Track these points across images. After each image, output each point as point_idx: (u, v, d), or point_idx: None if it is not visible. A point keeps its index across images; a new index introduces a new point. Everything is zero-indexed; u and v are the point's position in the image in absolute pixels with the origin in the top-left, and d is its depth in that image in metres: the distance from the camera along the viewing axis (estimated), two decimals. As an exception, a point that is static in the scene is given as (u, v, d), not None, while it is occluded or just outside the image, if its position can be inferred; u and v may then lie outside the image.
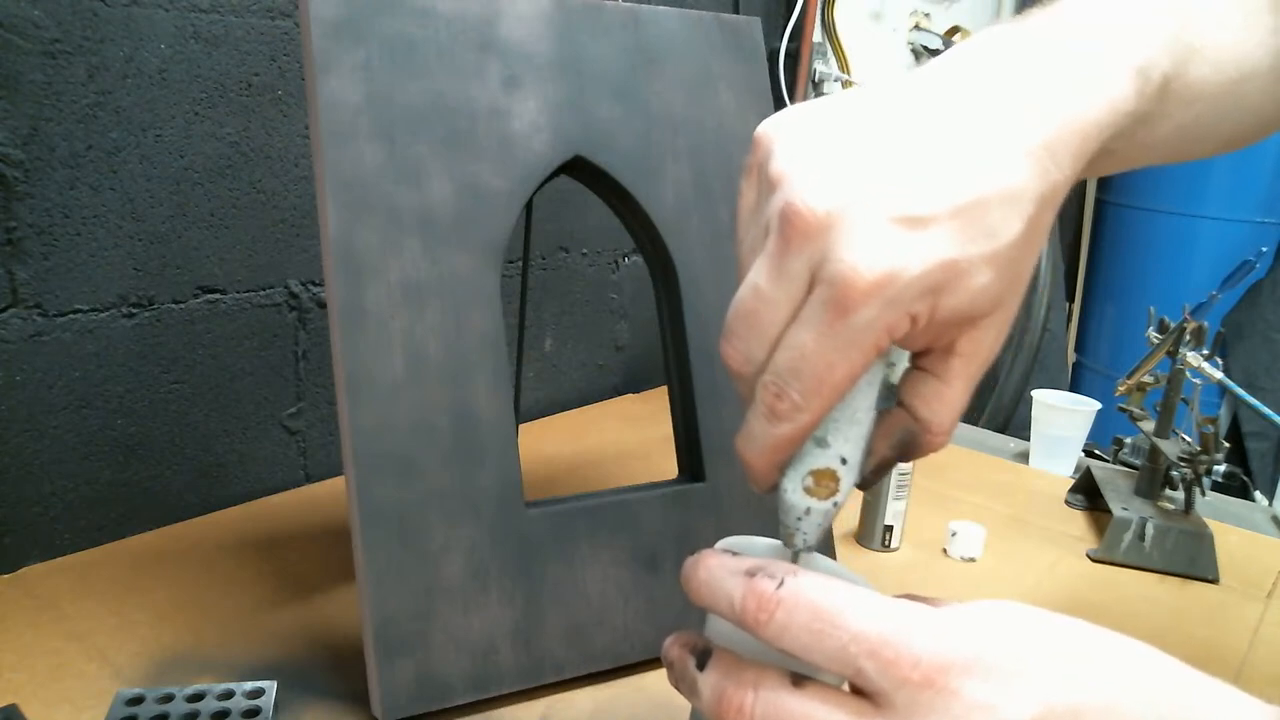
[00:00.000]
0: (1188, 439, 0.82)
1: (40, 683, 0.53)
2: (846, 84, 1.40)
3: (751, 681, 0.31)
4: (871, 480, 0.37)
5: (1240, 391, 0.95)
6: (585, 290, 1.09)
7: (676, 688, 0.35)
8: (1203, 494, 0.82)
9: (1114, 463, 0.99)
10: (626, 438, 1.00)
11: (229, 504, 0.78)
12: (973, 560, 0.78)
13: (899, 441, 0.36)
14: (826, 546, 0.67)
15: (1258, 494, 1.24)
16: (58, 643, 0.57)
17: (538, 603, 0.55)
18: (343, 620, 0.62)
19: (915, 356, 0.36)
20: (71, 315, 0.66)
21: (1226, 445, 0.79)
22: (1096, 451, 1.11)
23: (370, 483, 0.51)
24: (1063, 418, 1.03)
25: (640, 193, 0.60)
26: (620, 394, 1.17)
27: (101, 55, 0.65)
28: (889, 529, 0.78)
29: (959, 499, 0.91)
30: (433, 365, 0.53)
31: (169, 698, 0.51)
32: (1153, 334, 0.85)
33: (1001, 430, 1.61)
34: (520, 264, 0.76)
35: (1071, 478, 0.99)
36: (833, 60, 1.42)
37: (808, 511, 0.35)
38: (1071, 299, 2.55)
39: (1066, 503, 0.93)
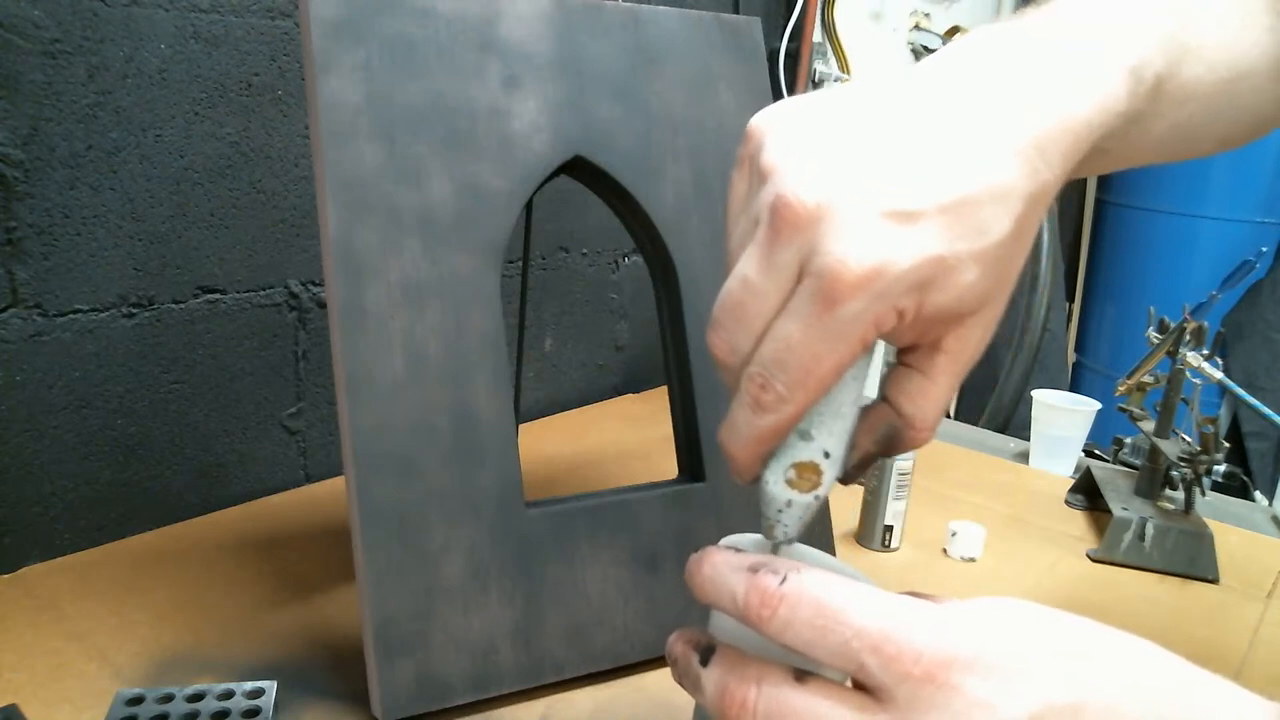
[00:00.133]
0: (1188, 439, 0.82)
1: (40, 683, 0.53)
2: (846, 84, 1.40)
3: (755, 677, 0.31)
4: (854, 475, 0.37)
5: (1240, 391, 0.95)
6: (585, 290, 1.09)
7: (680, 684, 0.35)
8: (1203, 494, 0.82)
9: (1114, 463, 0.99)
10: (626, 438, 1.00)
11: (229, 504, 0.78)
12: (973, 560, 0.78)
13: (882, 436, 0.36)
14: (827, 545, 0.67)
15: (1258, 494, 1.24)
16: (58, 643, 0.57)
17: (538, 603, 0.55)
18: (343, 620, 0.62)
19: (901, 352, 0.36)
20: (71, 315, 0.66)
21: (1226, 445, 0.80)
22: (1096, 451, 1.11)
23: (370, 483, 0.51)
24: (1063, 418, 1.03)
25: (640, 193, 0.61)
26: (620, 394, 1.17)
27: (101, 55, 0.65)
28: (889, 529, 0.78)
29: (959, 499, 0.91)
30: (433, 365, 0.53)
31: (169, 698, 0.51)
32: (1153, 334, 0.85)
33: (1001, 430, 1.61)
34: (520, 264, 0.76)
35: (1071, 478, 0.99)
36: (833, 60, 1.42)
37: (789, 504, 0.35)
38: (1071, 299, 2.55)
39: (1066, 503, 0.93)
